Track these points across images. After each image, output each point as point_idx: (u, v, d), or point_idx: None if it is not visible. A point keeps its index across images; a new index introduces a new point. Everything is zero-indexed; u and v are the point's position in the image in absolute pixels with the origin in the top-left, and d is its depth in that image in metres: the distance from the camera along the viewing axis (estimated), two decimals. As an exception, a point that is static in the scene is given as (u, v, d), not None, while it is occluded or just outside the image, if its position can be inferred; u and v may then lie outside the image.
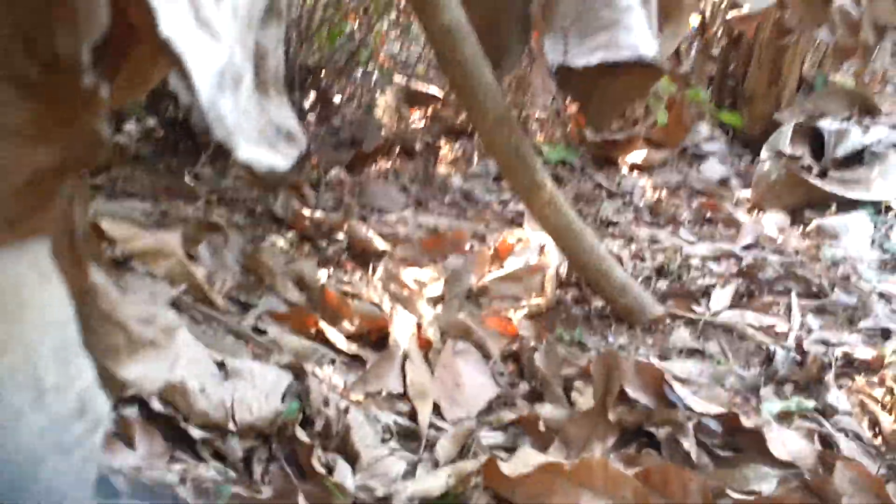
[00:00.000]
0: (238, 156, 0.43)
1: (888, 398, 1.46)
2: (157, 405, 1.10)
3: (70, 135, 0.40)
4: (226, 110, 0.42)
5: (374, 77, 2.62)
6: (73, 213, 0.45)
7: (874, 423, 1.40)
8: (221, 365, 1.21)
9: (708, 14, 3.34)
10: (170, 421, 1.10)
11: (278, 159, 0.48)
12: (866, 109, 3.29)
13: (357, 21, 2.52)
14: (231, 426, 1.12)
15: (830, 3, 2.23)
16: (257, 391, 1.18)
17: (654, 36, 1.68)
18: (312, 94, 2.46)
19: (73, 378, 0.42)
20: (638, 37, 1.57)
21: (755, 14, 2.74)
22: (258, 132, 0.48)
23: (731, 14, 2.97)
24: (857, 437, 1.35)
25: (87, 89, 0.39)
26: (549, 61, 1.63)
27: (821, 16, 2.35)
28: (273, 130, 0.52)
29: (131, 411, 1.09)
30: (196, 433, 1.10)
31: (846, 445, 1.31)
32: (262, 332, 1.40)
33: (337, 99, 2.57)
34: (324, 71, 2.46)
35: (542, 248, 1.96)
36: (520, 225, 2.27)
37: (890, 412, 1.42)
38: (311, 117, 2.47)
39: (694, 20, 3.23)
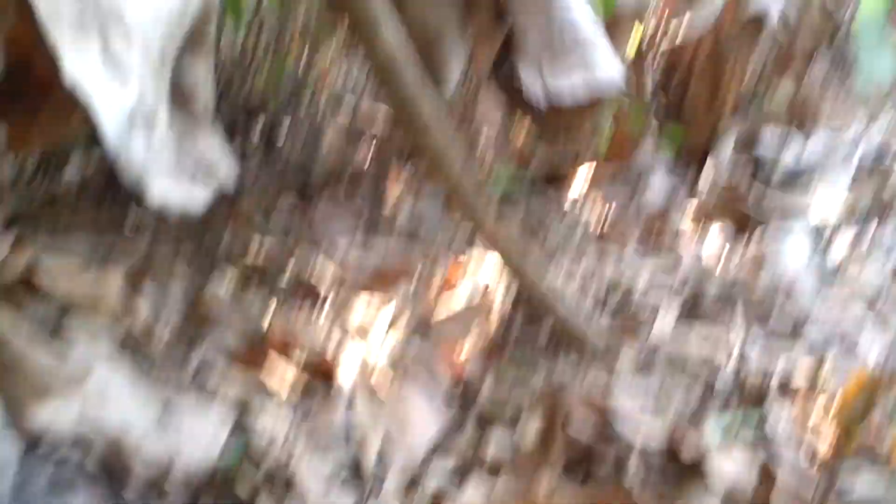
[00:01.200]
0: (149, 198, 0.44)
1: (827, 416, 1.49)
2: (98, 449, 1.09)
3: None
4: (137, 151, 0.42)
5: (320, 106, 2.61)
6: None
7: (812, 446, 1.43)
8: (163, 410, 1.20)
9: (648, 33, 3.39)
10: (110, 472, 1.09)
11: (196, 194, 0.49)
12: (805, 123, 3.37)
13: (300, 51, 2.51)
14: (175, 472, 1.12)
15: (761, 33, 2.29)
16: (199, 437, 1.18)
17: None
18: (258, 126, 2.45)
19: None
20: (604, 57, 1.61)
21: (693, 36, 2.80)
22: (176, 166, 0.49)
23: (675, 37, 3.02)
24: (797, 461, 1.38)
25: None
26: (528, 89, 1.64)
27: (753, 44, 2.41)
28: (192, 164, 0.53)
29: (70, 464, 1.08)
30: (138, 480, 1.09)
31: (786, 469, 1.34)
32: (206, 375, 1.39)
33: (283, 130, 2.56)
34: (269, 102, 2.45)
35: (490, 275, 1.98)
36: (470, 249, 2.29)
37: (828, 435, 1.45)
38: (258, 150, 2.46)
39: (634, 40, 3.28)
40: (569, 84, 1.57)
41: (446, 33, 1.84)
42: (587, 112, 1.87)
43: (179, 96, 0.61)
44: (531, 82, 1.62)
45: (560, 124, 1.78)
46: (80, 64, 0.40)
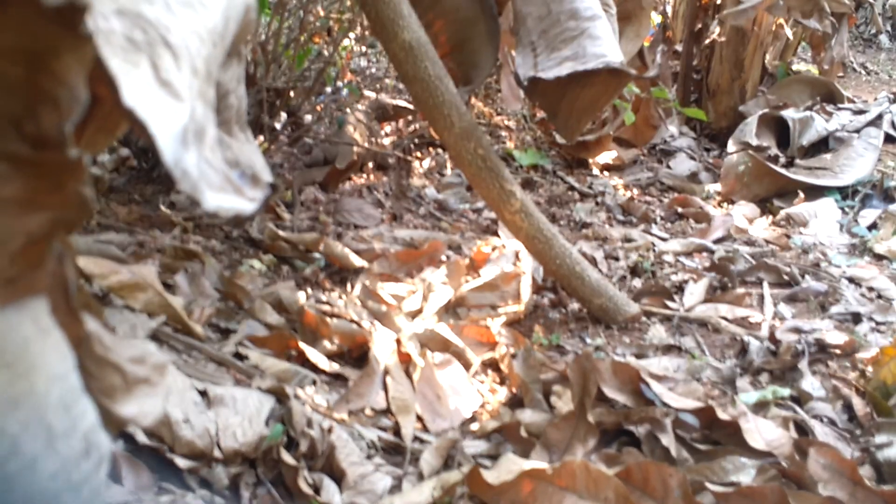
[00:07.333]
0: (205, 206, 0.46)
1: (861, 381, 1.49)
2: (142, 437, 1.11)
3: (59, 201, 0.44)
4: (190, 165, 0.45)
5: (344, 94, 2.63)
6: (65, 268, 0.48)
7: (848, 407, 1.43)
8: (203, 393, 1.22)
9: (669, 12, 3.38)
10: (155, 452, 1.11)
11: (244, 204, 0.51)
12: (829, 97, 3.35)
13: (322, 40, 2.53)
14: (216, 454, 1.14)
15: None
16: (240, 417, 1.20)
17: (618, 40, 1.71)
18: (283, 115, 2.48)
19: (78, 421, 0.47)
20: (604, 45, 1.60)
21: (750, 8, 2.75)
22: (223, 179, 0.51)
23: (726, 12, 2.96)
24: (832, 422, 1.38)
25: (71, 160, 0.43)
26: (520, 75, 1.66)
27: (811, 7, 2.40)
28: (238, 175, 0.55)
29: (116, 445, 1.10)
30: (182, 463, 1.11)
31: (821, 431, 1.34)
32: (243, 358, 1.41)
33: (307, 118, 2.58)
34: (293, 91, 2.47)
35: (516, 255, 1.99)
36: (494, 233, 2.30)
37: (862, 395, 1.45)
38: (283, 138, 2.49)
39: (655, 19, 3.27)
40: (556, 75, 1.57)
41: (478, 30, 1.85)
42: (598, 103, 1.87)
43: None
44: (523, 70, 1.63)
45: (573, 117, 1.78)
46: (136, 89, 0.43)
